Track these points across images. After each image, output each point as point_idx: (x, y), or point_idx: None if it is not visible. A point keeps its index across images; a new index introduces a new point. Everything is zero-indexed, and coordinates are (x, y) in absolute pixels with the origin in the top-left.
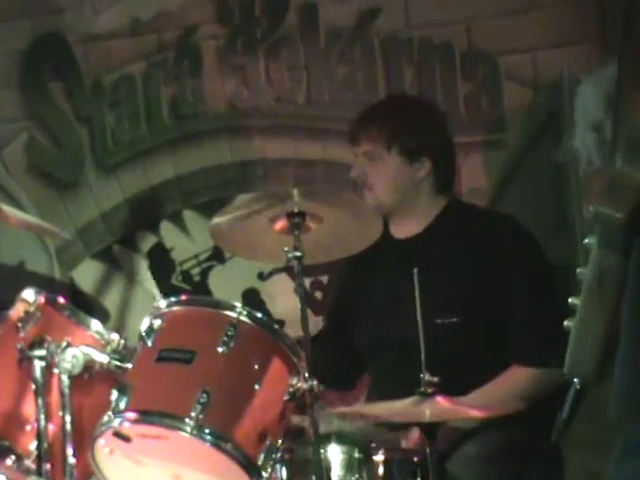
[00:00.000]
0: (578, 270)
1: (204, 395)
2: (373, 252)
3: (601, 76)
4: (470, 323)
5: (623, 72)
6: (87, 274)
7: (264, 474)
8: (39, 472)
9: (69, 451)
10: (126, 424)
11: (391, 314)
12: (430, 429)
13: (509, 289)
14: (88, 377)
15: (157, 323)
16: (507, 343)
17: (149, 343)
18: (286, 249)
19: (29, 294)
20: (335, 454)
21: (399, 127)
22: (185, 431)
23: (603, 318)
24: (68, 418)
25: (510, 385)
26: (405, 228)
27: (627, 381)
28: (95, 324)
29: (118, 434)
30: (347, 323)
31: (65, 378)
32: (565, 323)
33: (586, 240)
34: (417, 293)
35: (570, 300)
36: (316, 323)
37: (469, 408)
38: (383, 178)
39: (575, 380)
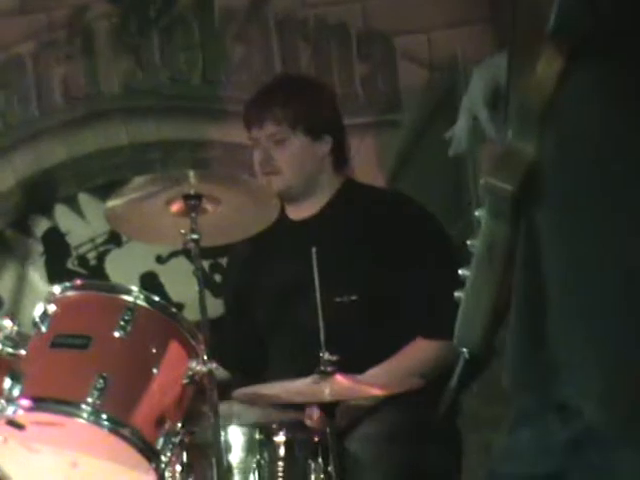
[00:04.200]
0: (468, 242)
1: (101, 380)
2: (269, 234)
3: (489, 64)
4: (369, 300)
5: (513, 45)
6: None
7: (163, 458)
8: None
9: None
10: (20, 412)
11: (289, 295)
12: (330, 408)
13: (408, 265)
14: None
15: (51, 309)
16: (407, 319)
17: (43, 329)
18: (183, 231)
19: None
20: (235, 436)
21: (303, 106)
22: (81, 417)
23: (492, 287)
24: None
25: (411, 360)
26: (302, 209)
27: (516, 351)
28: None
29: (12, 422)
30: (246, 306)
31: None
32: (455, 294)
33: (476, 212)
34: (316, 273)
35: (460, 271)
36: (215, 306)
37: (368, 386)
38: (290, 159)
39: (464, 350)
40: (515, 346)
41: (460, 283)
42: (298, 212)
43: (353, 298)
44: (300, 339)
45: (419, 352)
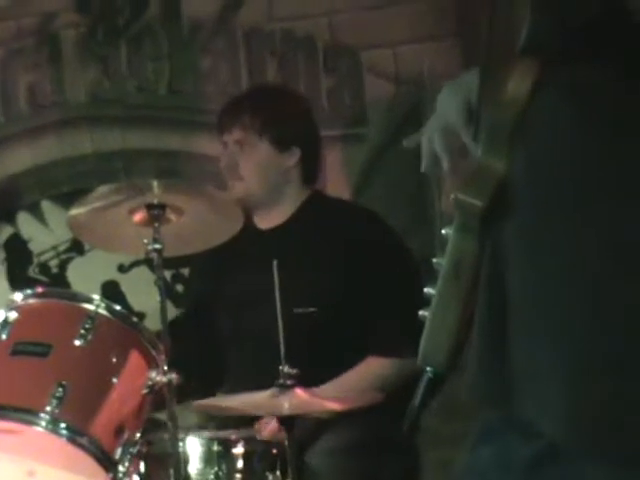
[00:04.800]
0: (434, 260)
1: (60, 389)
2: (233, 243)
3: (460, 82)
4: (328, 313)
5: (485, 62)
6: None
7: (121, 468)
8: None
9: None
10: None
11: (249, 306)
12: (289, 421)
13: (366, 280)
14: None
15: (12, 316)
16: (365, 334)
17: (3, 336)
18: (146, 241)
19: None
20: (194, 447)
21: (271, 115)
22: (40, 425)
23: (457, 306)
24: None
25: (365, 375)
26: (268, 218)
27: (478, 367)
28: None
29: None
30: (207, 313)
31: None
32: (420, 313)
33: (443, 231)
34: (276, 284)
35: (425, 290)
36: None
37: (327, 400)
38: (254, 166)
39: (428, 369)
40: (477, 362)
41: (419, 301)
42: (264, 221)
43: (311, 310)
44: (260, 350)
45: (375, 367)
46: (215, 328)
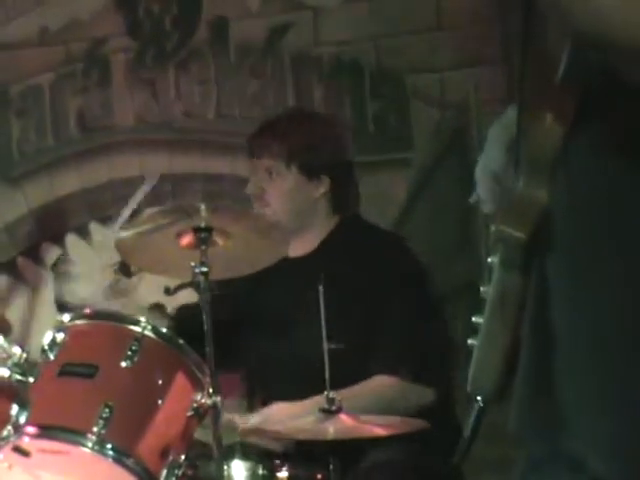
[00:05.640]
0: (482, 289)
1: (106, 410)
2: (262, 270)
3: (507, 120)
4: (357, 349)
5: (523, 93)
6: None
7: None
8: None
9: None
10: (26, 439)
11: (282, 333)
12: (333, 446)
13: (388, 309)
14: None
15: (60, 337)
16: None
17: (51, 357)
18: (192, 264)
19: None
20: (239, 470)
21: (300, 144)
22: (86, 446)
23: (504, 336)
24: None
25: (371, 390)
26: (295, 246)
27: (526, 396)
28: None
29: (17, 449)
30: (233, 334)
31: None
32: (469, 341)
33: (489, 259)
34: (322, 310)
35: (473, 319)
36: None
37: (372, 425)
38: (280, 194)
39: (478, 398)
40: (523, 394)
41: (441, 334)
42: (291, 249)
43: (341, 346)
44: (292, 379)
45: (383, 385)
46: (240, 351)
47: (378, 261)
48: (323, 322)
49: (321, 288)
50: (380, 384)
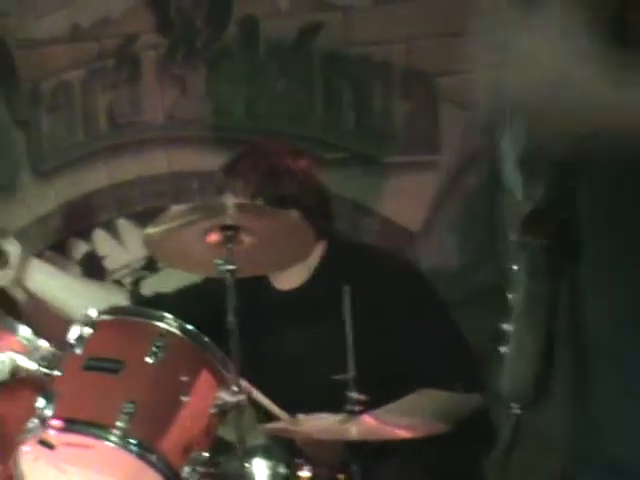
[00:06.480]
0: (509, 296)
1: (130, 405)
2: (253, 303)
3: (516, 132)
4: (366, 376)
5: None
6: None
7: None
8: None
9: None
10: (51, 432)
11: (278, 370)
12: (355, 447)
13: (401, 327)
14: (14, 383)
15: (87, 331)
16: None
17: (78, 351)
18: (218, 261)
19: None
20: (260, 469)
21: (262, 180)
22: (110, 441)
23: (535, 344)
24: None
25: (418, 405)
26: (284, 279)
27: (566, 399)
28: (23, 330)
29: (43, 441)
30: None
31: None
32: (500, 349)
33: (512, 267)
34: (347, 311)
35: (503, 326)
36: None
37: (395, 427)
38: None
39: (514, 405)
40: (564, 397)
41: (460, 342)
42: (281, 282)
43: (349, 376)
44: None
45: (426, 398)
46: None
47: (382, 282)
48: (348, 323)
49: (346, 288)
50: (424, 397)
